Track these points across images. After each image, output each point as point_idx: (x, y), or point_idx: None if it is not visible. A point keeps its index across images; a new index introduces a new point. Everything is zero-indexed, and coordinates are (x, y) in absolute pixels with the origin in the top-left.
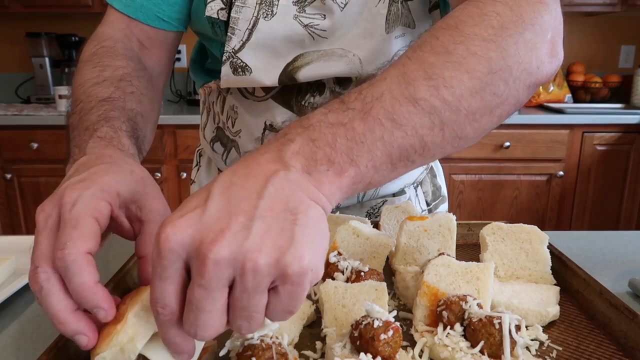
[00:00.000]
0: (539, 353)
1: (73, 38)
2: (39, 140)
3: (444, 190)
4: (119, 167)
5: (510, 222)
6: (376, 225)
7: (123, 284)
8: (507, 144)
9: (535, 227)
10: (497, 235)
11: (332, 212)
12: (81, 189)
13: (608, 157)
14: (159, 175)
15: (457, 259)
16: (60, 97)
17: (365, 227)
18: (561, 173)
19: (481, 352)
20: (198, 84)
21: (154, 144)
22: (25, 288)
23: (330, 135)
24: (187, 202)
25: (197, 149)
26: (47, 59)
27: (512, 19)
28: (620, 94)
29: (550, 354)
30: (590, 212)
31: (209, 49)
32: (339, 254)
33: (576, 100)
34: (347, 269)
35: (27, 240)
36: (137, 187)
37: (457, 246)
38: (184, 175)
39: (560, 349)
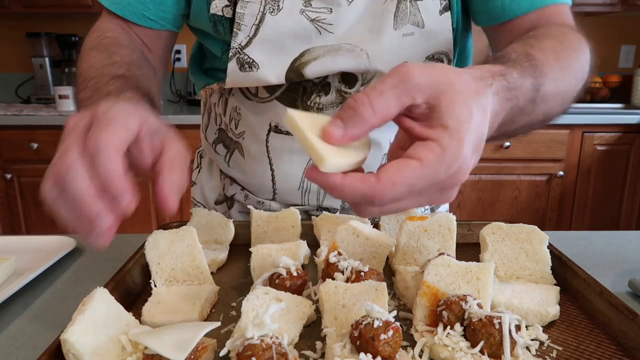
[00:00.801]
0: (539, 353)
1: (73, 38)
2: (39, 140)
3: None
4: (146, 107)
5: (510, 222)
6: (376, 225)
7: (123, 284)
8: (507, 144)
9: (535, 227)
10: (497, 235)
11: (332, 212)
12: (115, 102)
13: (608, 157)
14: None
15: (457, 259)
16: (60, 97)
17: (365, 227)
18: (561, 173)
19: (481, 352)
20: (198, 86)
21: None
22: (25, 288)
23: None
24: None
25: (197, 150)
26: (47, 59)
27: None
28: (620, 94)
29: (550, 354)
30: (590, 212)
31: (208, 48)
32: (339, 254)
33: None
34: (347, 269)
35: (27, 240)
36: (161, 124)
37: (457, 246)
38: None
39: (560, 349)
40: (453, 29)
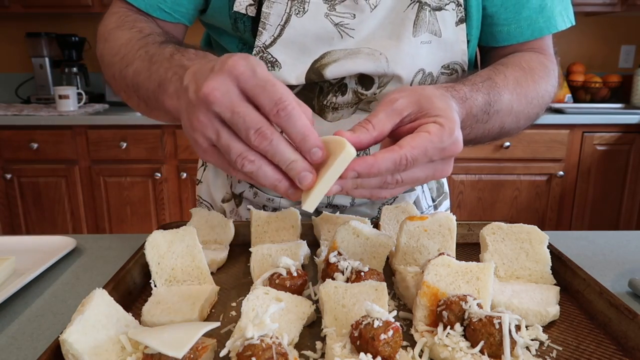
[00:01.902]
0: (539, 353)
1: (73, 38)
2: (39, 140)
3: (446, 187)
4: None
5: (510, 222)
6: (376, 225)
7: (123, 284)
8: (507, 144)
9: (535, 227)
10: (497, 235)
11: (332, 212)
12: (244, 57)
13: (608, 157)
14: (159, 175)
15: (457, 259)
16: (60, 97)
17: (365, 227)
18: (561, 173)
19: (481, 352)
20: None
21: (153, 144)
22: (25, 288)
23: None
24: None
25: None
26: (47, 59)
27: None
28: (620, 94)
29: (550, 354)
30: (590, 212)
31: (222, 45)
32: (339, 254)
33: (576, 100)
34: (347, 269)
35: (27, 240)
36: None
37: (457, 246)
38: (184, 175)
39: (560, 349)
40: (468, 41)
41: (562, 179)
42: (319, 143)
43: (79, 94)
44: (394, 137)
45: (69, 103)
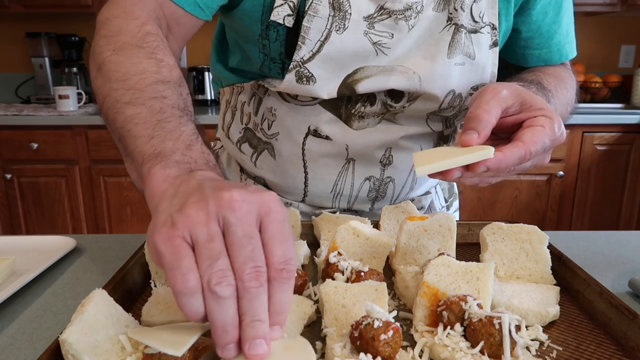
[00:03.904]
0: (539, 353)
1: (73, 38)
2: (38, 140)
3: (456, 188)
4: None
5: (510, 222)
6: (376, 225)
7: (123, 284)
8: None
9: (535, 227)
10: (497, 235)
11: (332, 213)
12: (277, 201)
13: (608, 157)
14: None
15: (457, 259)
16: (60, 97)
17: (365, 227)
18: (561, 173)
19: (481, 352)
20: (222, 83)
21: None
22: (25, 288)
23: None
24: None
25: (213, 149)
26: (47, 59)
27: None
28: (620, 94)
29: (550, 354)
30: (590, 212)
31: (244, 49)
32: (339, 254)
33: (579, 100)
34: (347, 269)
35: (27, 240)
36: None
37: (457, 246)
38: None
39: (560, 349)
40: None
41: (562, 179)
42: (283, 325)
43: (79, 94)
44: (496, 128)
45: (69, 103)
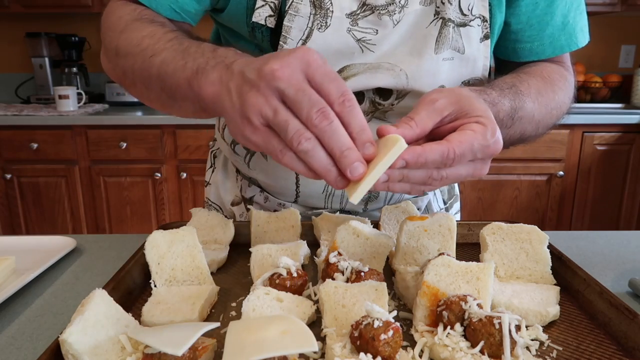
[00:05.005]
0: (539, 353)
1: (73, 38)
2: (38, 140)
3: (457, 190)
4: None
5: (511, 222)
6: (376, 225)
7: (123, 284)
8: None
9: (535, 227)
10: (497, 235)
11: (332, 213)
12: (311, 51)
13: (608, 157)
14: (159, 175)
15: (457, 259)
16: (60, 97)
17: (365, 227)
18: (561, 173)
19: (481, 352)
20: None
21: (153, 144)
22: (25, 288)
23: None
24: None
25: (211, 151)
26: (47, 59)
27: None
28: (620, 94)
29: (550, 354)
30: (590, 212)
31: (238, 48)
32: (339, 254)
33: (576, 100)
34: (347, 269)
35: (27, 240)
36: None
37: (457, 246)
38: (184, 175)
39: (560, 349)
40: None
41: (562, 179)
42: (372, 139)
43: (79, 94)
44: (433, 136)
45: (69, 103)
